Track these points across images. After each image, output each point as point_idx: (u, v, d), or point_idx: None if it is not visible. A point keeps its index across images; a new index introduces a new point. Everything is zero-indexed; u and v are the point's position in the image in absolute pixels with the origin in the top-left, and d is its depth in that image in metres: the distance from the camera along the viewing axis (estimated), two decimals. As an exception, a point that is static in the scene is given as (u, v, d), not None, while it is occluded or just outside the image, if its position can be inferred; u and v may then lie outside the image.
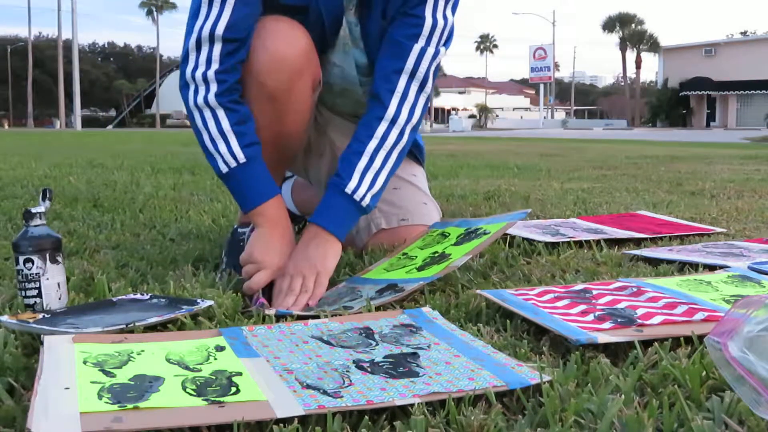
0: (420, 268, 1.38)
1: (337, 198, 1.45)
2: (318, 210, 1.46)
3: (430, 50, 1.50)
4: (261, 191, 1.42)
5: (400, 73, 1.48)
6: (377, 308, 1.23)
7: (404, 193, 1.73)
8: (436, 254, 1.44)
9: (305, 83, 1.50)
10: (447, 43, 1.55)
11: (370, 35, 1.57)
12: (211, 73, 1.39)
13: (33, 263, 1.20)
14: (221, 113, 1.39)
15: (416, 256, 1.48)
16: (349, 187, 1.44)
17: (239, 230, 1.58)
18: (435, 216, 1.74)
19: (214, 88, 1.39)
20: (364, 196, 1.45)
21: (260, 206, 1.42)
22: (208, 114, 1.40)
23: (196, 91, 1.40)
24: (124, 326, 1.09)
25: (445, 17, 1.52)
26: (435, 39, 1.51)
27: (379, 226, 1.68)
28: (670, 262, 1.60)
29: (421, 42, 1.49)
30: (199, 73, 1.39)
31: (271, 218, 1.43)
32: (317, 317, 1.18)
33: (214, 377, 0.88)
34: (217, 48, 1.39)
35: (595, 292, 1.28)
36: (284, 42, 1.44)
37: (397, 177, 1.70)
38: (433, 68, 1.52)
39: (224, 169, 1.41)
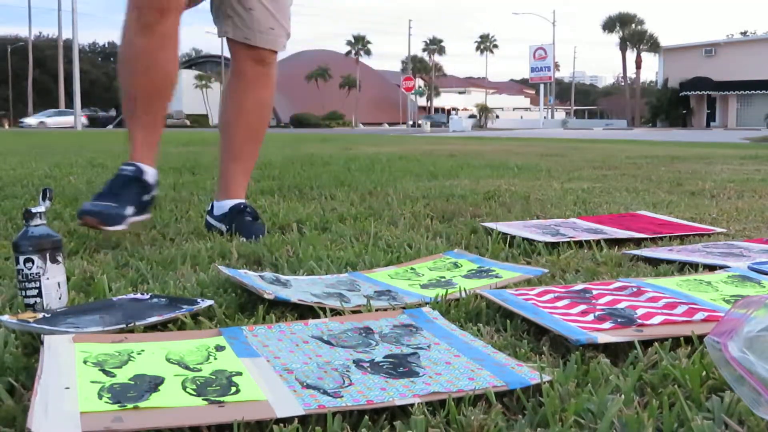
0: (423, 286, 1.40)
1: None
2: None
3: None
4: None
5: None
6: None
7: (256, 15, 1.86)
8: (443, 279, 1.46)
9: None
10: None
11: None
12: None
13: (33, 263, 1.20)
14: None
15: (423, 274, 1.51)
16: None
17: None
18: (282, 42, 1.90)
19: None
20: None
21: None
22: None
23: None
24: (124, 326, 1.09)
25: None
26: None
27: (227, 34, 1.84)
28: (670, 262, 1.60)
29: None
30: None
31: None
32: (317, 316, 1.18)
33: (214, 377, 0.88)
34: None
35: (595, 292, 1.28)
36: None
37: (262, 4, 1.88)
38: None
39: None
